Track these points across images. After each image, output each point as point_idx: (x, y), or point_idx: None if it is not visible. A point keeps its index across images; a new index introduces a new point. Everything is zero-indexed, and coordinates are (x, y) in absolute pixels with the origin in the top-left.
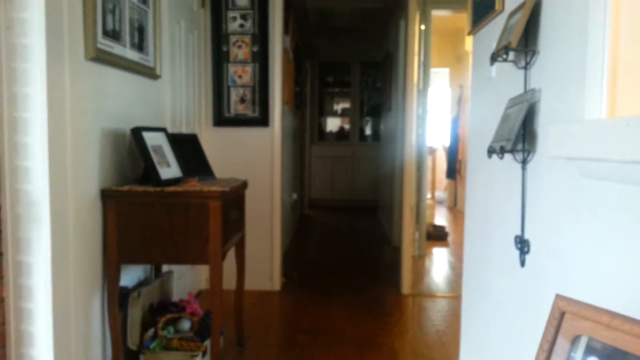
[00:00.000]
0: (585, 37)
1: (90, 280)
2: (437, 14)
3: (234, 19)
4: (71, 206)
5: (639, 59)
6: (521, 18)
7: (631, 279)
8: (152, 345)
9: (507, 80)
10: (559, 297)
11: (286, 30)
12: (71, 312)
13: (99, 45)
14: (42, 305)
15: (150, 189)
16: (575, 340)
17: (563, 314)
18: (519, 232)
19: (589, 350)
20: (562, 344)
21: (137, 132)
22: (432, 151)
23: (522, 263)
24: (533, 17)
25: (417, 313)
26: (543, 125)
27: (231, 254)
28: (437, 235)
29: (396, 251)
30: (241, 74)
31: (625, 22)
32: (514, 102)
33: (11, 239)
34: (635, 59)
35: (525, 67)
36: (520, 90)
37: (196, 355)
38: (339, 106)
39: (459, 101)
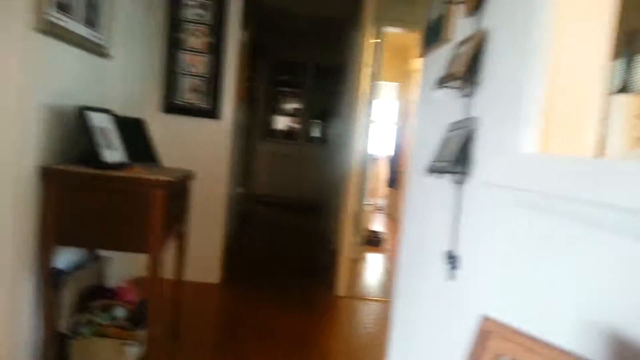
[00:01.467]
0: (521, 77)
1: (22, 259)
2: (389, 30)
3: (193, 6)
4: (8, 181)
5: (571, 100)
6: (467, 51)
7: (547, 307)
8: (85, 330)
9: (450, 104)
10: (485, 318)
11: (244, 25)
12: None
13: (50, 18)
14: None
15: (94, 171)
16: (497, 359)
17: (488, 334)
18: (450, 247)
19: None
20: None
21: (82, 110)
22: (375, 159)
23: (452, 277)
24: (478, 52)
25: (350, 314)
26: (480, 152)
27: (173, 244)
28: (374, 241)
29: (334, 253)
30: (195, 63)
31: (563, 64)
32: (455, 126)
33: None
34: (568, 99)
35: (468, 96)
36: (461, 116)
37: (129, 344)
38: (289, 106)
39: (403, 114)
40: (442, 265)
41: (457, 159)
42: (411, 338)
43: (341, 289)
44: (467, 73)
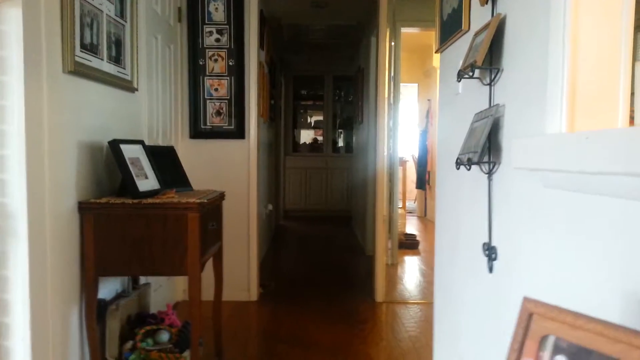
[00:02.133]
0: (545, 56)
1: (68, 293)
2: (406, 31)
3: (210, 33)
4: (48, 219)
5: (595, 79)
6: (486, 37)
7: (589, 284)
8: (131, 357)
9: (473, 95)
10: (526, 300)
11: (261, 44)
12: (48, 326)
13: (77, 59)
14: (19, 319)
15: (128, 200)
16: (543, 340)
17: (531, 315)
18: (486, 240)
19: (556, 349)
20: (530, 344)
21: (114, 144)
22: (403, 162)
23: (490, 269)
24: (497, 37)
25: (390, 320)
26: (507, 139)
27: (209, 265)
28: (409, 244)
29: (369, 260)
30: (217, 87)
31: (584, 43)
32: (479, 116)
33: None
34: (592, 78)
35: (490, 84)
36: (485, 105)
37: None
38: (313, 118)
39: (427, 114)
40: (480, 258)
41: (483, 148)
42: (456, 335)
43: (380, 294)
44: (487, 61)
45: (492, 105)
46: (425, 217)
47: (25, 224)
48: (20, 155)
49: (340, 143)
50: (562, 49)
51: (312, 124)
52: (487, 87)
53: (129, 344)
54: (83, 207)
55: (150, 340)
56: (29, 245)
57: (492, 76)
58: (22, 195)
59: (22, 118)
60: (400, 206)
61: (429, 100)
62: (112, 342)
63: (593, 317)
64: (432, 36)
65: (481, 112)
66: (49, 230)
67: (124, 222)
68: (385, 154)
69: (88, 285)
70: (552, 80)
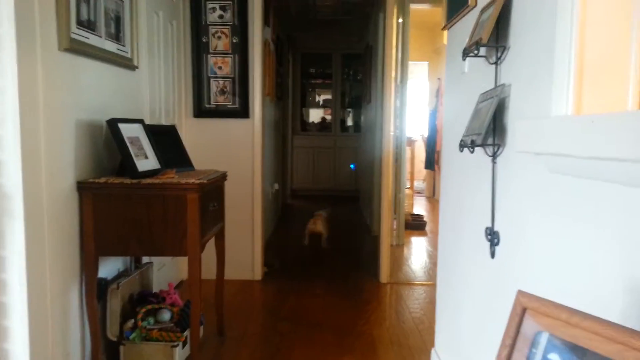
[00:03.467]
0: (553, 34)
1: (68, 273)
2: (415, 7)
3: (214, 9)
4: (46, 199)
5: (604, 59)
6: (492, 14)
7: (592, 273)
8: (132, 336)
9: (478, 75)
10: (520, 293)
11: (266, 21)
12: (47, 305)
13: (73, 35)
14: (17, 298)
15: (127, 180)
16: (536, 336)
17: (524, 310)
18: (489, 224)
19: (550, 346)
20: (523, 339)
21: (113, 123)
22: (411, 142)
23: (492, 254)
24: (504, 13)
25: (394, 301)
26: (512, 120)
27: (211, 244)
28: (416, 225)
29: (375, 240)
30: (221, 65)
31: (592, 22)
32: (484, 97)
33: None
34: (600, 58)
35: (496, 63)
36: (491, 85)
37: (176, 346)
38: (321, 97)
39: (437, 93)
40: (482, 243)
41: (487, 130)
42: (457, 320)
43: (384, 275)
44: (493, 39)
45: (497, 85)
46: (434, 198)
47: (22, 204)
48: (15, 135)
49: (349, 122)
50: (570, 27)
51: (321, 103)
52: (493, 66)
53: (130, 323)
54: (82, 187)
55: (151, 319)
56: (25, 225)
57: (498, 55)
58: (18, 176)
59: (16, 97)
60: (408, 186)
61: (439, 79)
62: (113, 321)
63: (590, 314)
64: (441, 12)
65: (486, 92)
66: (46, 210)
67: (123, 202)
68: (392, 134)
69: (88, 265)
70: (559, 59)
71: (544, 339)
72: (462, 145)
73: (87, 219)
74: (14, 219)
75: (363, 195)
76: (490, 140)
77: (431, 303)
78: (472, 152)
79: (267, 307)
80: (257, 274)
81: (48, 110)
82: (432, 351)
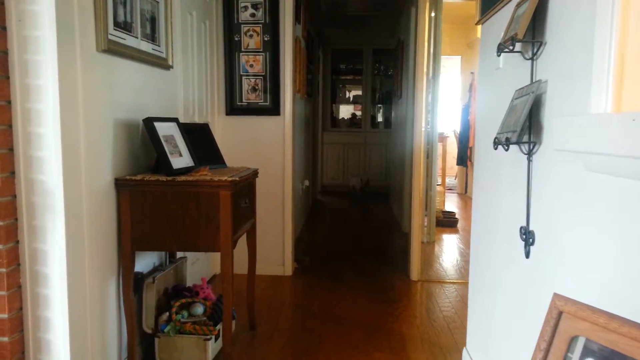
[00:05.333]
0: (592, 29)
1: (106, 266)
2: (448, 0)
3: (245, 8)
4: (85, 195)
5: None
6: (528, 8)
7: (631, 276)
8: (167, 328)
9: (514, 70)
10: (556, 296)
11: (297, 18)
12: (86, 298)
13: (111, 37)
14: (58, 291)
15: (162, 178)
16: (572, 340)
17: (560, 314)
18: (524, 224)
19: (586, 351)
20: (559, 344)
21: (149, 122)
22: (443, 138)
23: (527, 254)
24: (540, 8)
25: (425, 299)
26: (549, 118)
27: (243, 240)
28: (447, 222)
29: (406, 237)
30: (252, 62)
31: (634, 15)
32: (520, 93)
33: (27, 227)
34: None
35: (532, 58)
36: (527, 81)
37: (209, 339)
38: (351, 93)
39: (470, 88)
40: (516, 243)
41: (523, 127)
42: (490, 320)
43: (415, 273)
44: (529, 34)
45: (533, 81)
46: (466, 195)
47: (62, 200)
48: (56, 133)
49: (379, 118)
50: (610, 20)
51: (351, 99)
52: (529, 61)
53: (165, 316)
54: (119, 184)
55: (185, 313)
56: (65, 221)
57: (535, 50)
58: (58, 172)
59: (57, 97)
60: (439, 183)
61: (472, 73)
62: (148, 313)
63: (629, 319)
64: (475, 6)
65: (522, 88)
66: (85, 206)
67: (158, 199)
68: (424, 129)
69: (125, 259)
70: (599, 54)
71: (580, 343)
72: (497, 143)
73: (124, 214)
74: (55, 214)
75: (393, 191)
76: (525, 138)
77: (463, 301)
78: (506, 150)
79: (297, 302)
80: (288, 269)
81: (87, 109)
82: (464, 350)
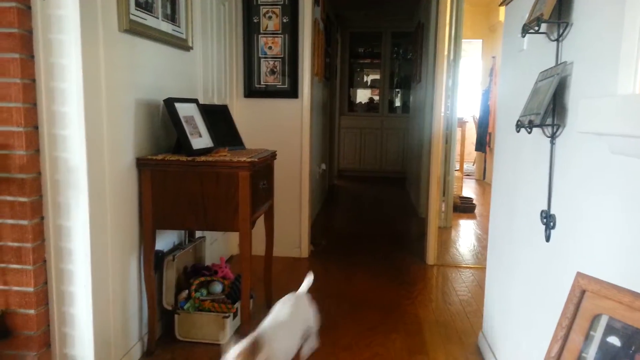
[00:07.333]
0: (622, 9)
1: (127, 244)
2: None
3: None
4: (108, 173)
5: None
6: None
7: None
8: (186, 306)
9: (538, 52)
10: (579, 275)
11: (317, 1)
12: (109, 274)
13: (132, 17)
14: (82, 266)
15: (183, 158)
16: (595, 319)
17: (583, 292)
18: (545, 207)
19: (609, 329)
20: (581, 322)
21: (169, 102)
22: (462, 123)
23: (548, 238)
24: None
25: (441, 283)
26: (574, 100)
27: (261, 222)
28: (464, 207)
29: (422, 222)
30: (271, 45)
31: None
32: (544, 75)
33: (51, 204)
34: None
35: (558, 40)
36: (551, 63)
37: (227, 317)
38: (369, 77)
39: (491, 73)
40: (536, 226)
41: (547, 110)
42: (507, 302)
43: (431, 257)
44: (555, 14)
45: (559, 62)
46: (484, 181)
47: (86, 178)
48: (80, 112)
49: (397, 103)
50: None
51: (369, 83)
52: (555, 43)
53: (184, 293)
54: (140, 163)
55: (204, 291)
56: (89, 198)
57: (560, 31)
58: (82, 150)
59: (80, 76)
60: (457, 168)
61: (493, 57)
62: (168, 291)
63: None
64: None
65: (547, 70)
66: (108, 184)
67: (179, 179)
68: (443, 114)
69: (146, 237)
70: (628, 36)
71: (603, 321)
72: (519, 126)
73: (146, 193)
74: (78, 191)
75: (410, 176)
76: (549, 121)
77: (479, 286)
78: (529, 132)
79: (313, 284)
80: (304, 251)
81: (109, 89)
82: (480, 334)
